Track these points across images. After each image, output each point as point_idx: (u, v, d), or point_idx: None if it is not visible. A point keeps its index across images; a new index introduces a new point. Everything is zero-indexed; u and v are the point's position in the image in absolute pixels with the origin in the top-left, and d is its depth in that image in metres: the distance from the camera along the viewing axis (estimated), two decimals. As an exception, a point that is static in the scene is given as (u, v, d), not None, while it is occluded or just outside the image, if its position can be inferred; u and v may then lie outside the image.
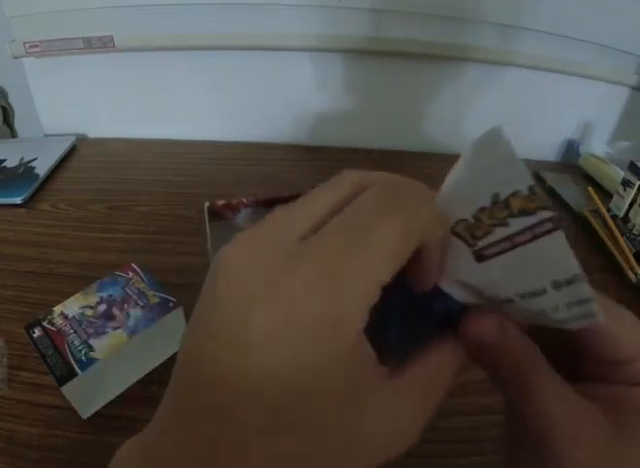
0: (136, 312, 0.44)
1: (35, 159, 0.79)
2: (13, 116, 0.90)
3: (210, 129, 0.86)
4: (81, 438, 0.41)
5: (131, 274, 0.48)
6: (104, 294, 0.46)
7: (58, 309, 0.44)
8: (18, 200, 0.69)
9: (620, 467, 0.18)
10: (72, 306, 0.45)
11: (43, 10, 0.76)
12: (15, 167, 0.77)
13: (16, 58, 0.80)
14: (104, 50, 0.78)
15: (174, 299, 0.46)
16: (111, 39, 0.78)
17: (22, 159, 0.79)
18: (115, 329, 0.43)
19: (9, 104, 0.88)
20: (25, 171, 0.76)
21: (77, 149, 0.85)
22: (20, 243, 0.62)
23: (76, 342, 0.41)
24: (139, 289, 0.47)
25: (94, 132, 0.90)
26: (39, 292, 0.54)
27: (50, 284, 0.55)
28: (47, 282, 0.56)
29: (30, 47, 0.79)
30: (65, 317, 0.43)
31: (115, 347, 0.41)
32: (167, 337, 0.46)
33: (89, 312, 0.44)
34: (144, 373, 0.46)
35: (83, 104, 0.87)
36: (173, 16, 0.75)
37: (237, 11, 0.75)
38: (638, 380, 0.19)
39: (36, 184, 0.73)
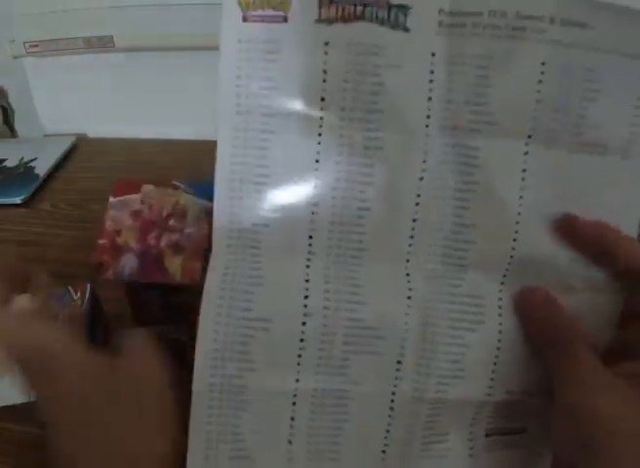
0: (135, 312, 0.44)
1: (35, 159, 0.78)
2: (13, 116, 0.90)
3: (210, 129, 0.86)
4: (81, 438, 0.41)
5: (131, 274, 0.48)
6: (104, 295, 0.46)
7: (57, 309, 0.44)
8: (18, 200, 0.69)
9: None
10: (72, 306, 0.44)
11: (43, 10, 0.76)
12: (15, 167, 0.77)
13: (16, 57, 0.80)
14: (104, 50, 0.79)
15: (173, 300, 0.45)
16: (111, 39, 0.78)
17: (22, 159, 0.79)
18: (115, 329, 0.43)
19: (9, 104, 0.88)
20: (25, 171, 0.76)
21: (77, 149, 0.85)
22: (20, 243, 0.62)
23: (76, 342, 0.41)
24: (138, 289, 0.46)
25: (94, 132, 0.90)
26: (39, 292, 0.54)
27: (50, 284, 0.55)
28: (47, 282, 0.56)
29: (30, 47, 0.79)
30: (65, 317, 0.43)
31: (115, 347, 0.41)
32: (167, 338, 0.45)
33: (89, 312, 0.44)
34: (144, 374, 0.46)
35: (83, 104, 0.87)
36: (173, 16, 0.75)
37: (237, 11, 0.74)
38: None
39: (36, 184, 0.73)
